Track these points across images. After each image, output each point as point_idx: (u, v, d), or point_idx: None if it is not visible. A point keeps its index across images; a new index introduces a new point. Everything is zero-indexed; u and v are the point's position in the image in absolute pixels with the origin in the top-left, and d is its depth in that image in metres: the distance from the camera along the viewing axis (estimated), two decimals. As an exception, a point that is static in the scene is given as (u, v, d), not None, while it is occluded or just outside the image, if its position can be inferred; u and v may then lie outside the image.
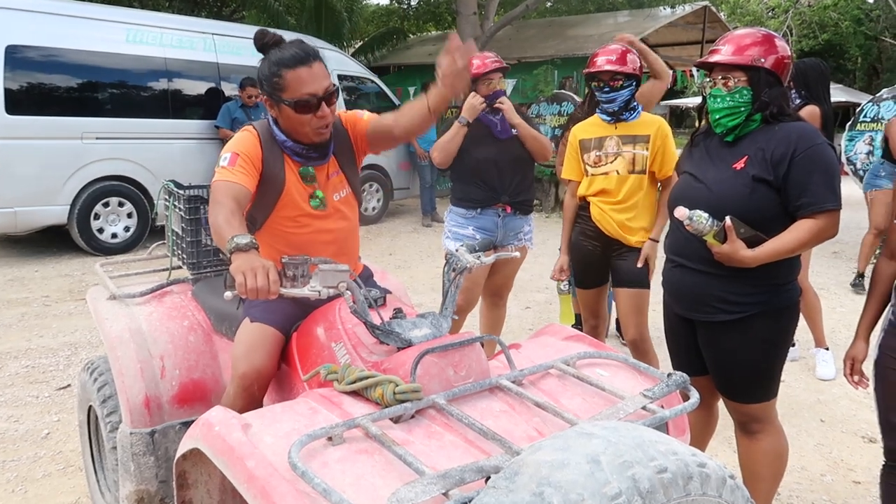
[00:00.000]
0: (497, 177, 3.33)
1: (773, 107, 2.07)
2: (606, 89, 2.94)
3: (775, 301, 2.12)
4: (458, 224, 3.43)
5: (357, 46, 15.20)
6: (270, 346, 1.86)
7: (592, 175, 3.04)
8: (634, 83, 2.97)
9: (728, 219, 2.01)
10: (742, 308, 2.11)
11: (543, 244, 7.97)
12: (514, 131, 3.37)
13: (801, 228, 2.01)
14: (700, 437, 2.50)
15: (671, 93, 14.21)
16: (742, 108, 2.08)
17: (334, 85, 1.96)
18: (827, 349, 4.09)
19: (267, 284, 1.48)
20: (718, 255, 2.06)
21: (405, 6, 18.15)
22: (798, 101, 3.77)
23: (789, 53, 2.09)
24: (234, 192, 1.82)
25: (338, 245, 2.10)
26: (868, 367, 2.12)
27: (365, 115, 2.16)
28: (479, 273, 3.39)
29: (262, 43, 1.95)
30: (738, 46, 2.06)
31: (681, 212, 2.05)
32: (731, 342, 2.17)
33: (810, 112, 3.68)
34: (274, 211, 2.02)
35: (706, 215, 2.01)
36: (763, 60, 2.04)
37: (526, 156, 3.43)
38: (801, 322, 3.66)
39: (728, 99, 2.08)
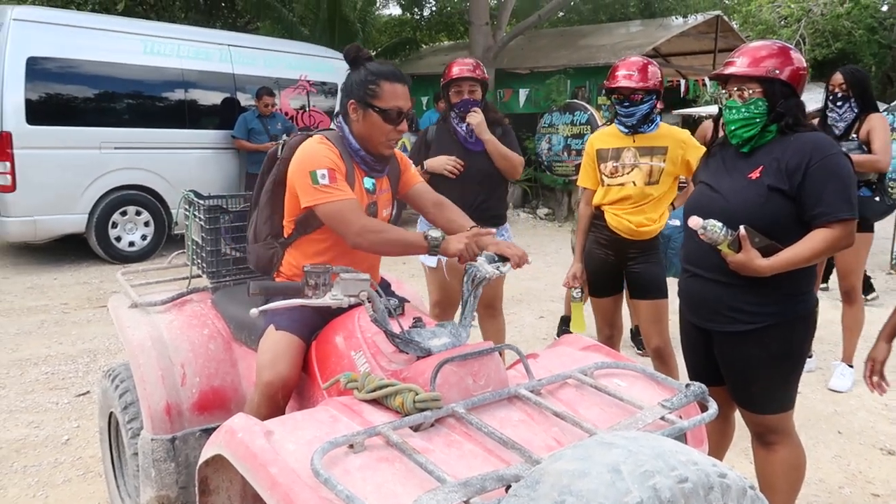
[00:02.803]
0: (459, 191, 3.04)
1: (789, 118, 2.08)
2: (626, 104, 2.93)
3: (790, 312, 2.11)
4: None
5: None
6: (295, 355, 1.89)
7: (609, 185, 3.05)
8: (654, 97, 2.95)
9: (742, 228, 2.01)
10: (756, 318, 2.11)
11: (557, 253, 7.98)
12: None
13: (815, 238, 2.02)
14: (717, 448, 2.49)
15: (683, 102, 14.18)
16: (758, 119, 2.09)
17: (411, 110, 2.09)
18: (851, 366, 4.01)
19: (473, 248, 1.88)
20: (733, 265, 2.06)
21: (418, 17, 18.23)
22: (857, 109, 3.69)
23: (804, 65, 2.10)
24: (360, 207, 1.98)
25: (377, 258, 2.21)
26: (889, 375, 2.10)
27: (412, 168, 2.34)
28: (441, 273, 3.41)
29: (356, 56, 2.06)
30: (754, 58, 2.08)
31: (695, 221, 2.06)
32: (745, 352, 2.17)
33: (881, 120, 3.61)
34: None
35: (720, 224, 2.02)
36: (778, 72, 2.05)
37: (496, 171, 3.30)
38: (818, 332, 3.65)
39: (743, 110, 2.09)
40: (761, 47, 2.10)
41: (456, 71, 3.26)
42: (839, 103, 3.73)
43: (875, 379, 2.13)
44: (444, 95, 3.34)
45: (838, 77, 3.74)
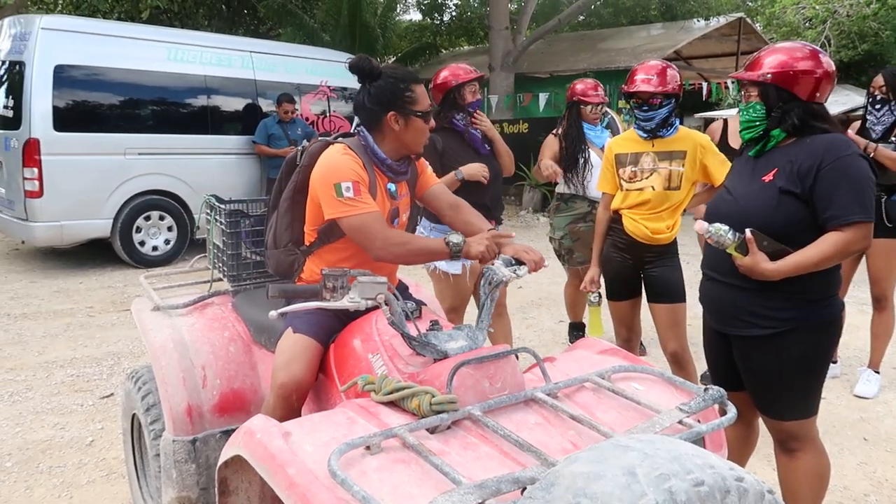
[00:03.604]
0: (481, 191, 3.30)
1: (793, 119, 2.04)
2: (645, 108, 2.91)
3: (811, 318, 2.07)
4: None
5: (390, 61, 15.41)
6: (310, 357, 1.90)
7: (627, 190, 3.04)
8: (674, 101, 2.93)
9: (748, 231, 2.00)
10: (774, 323, 2.09)
11: (576, 257, 7.94)
12: (487, 146, 3.43)
13: (826, 241, 1.98)
14: (739, 454, 2.47)
15: (706, 105, 14.05)
16: (757, 123, 2.09)
17: None
18: (877, 373, 3.94)
19: (493, 248, 1.92)
20: (741, 268, 2.05)
21: (438, 22, 18.33)
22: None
23: (805, 67, 2.01)
24: (383, 219, 2.01)
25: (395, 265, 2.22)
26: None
27: (429, 170, 2.35)
28: (464, 280, 3.44)
29: (371, 68, 2.04)
30: (755, 61, 2.09)
31: (700, 225, 2.06)
32: (764, 357, 2.14)
33: None
34: None
35: (725, 228, 2.01)
36: (769, 76, 2.03)
37: (500, 171, 3.48)
38: (843, 338, 3.58)
39: (744, 113, 2.12)
40: (772, 50, 2.09)
41: (462, 74, 3.33)
42: (878, 106, 3.64)
43: None
44: (451, 100, 3.34)
45: (879, 79, 3.66)
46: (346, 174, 1.97)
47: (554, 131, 4.18)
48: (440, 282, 3.49)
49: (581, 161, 4.03)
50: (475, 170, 3.30)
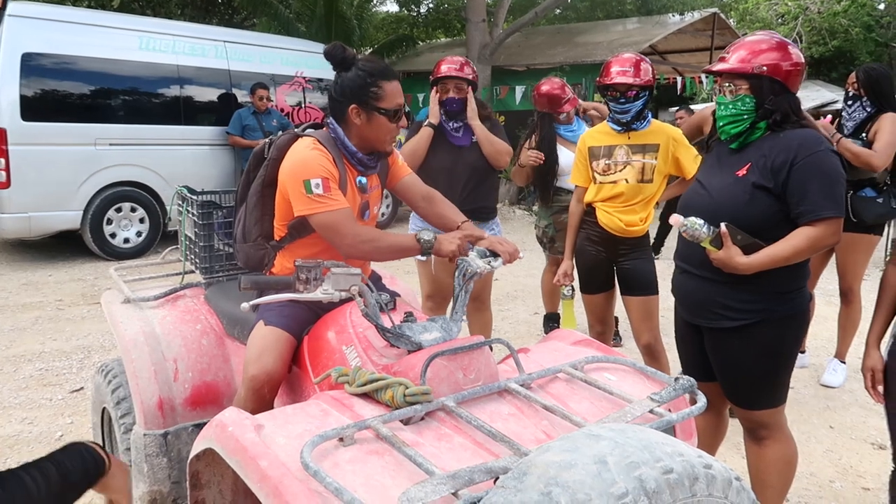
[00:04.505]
0: (448, 185, 3.16)
1: (777, 114, 2.08)
2: (622, 100, 2.92)
3: (779, 309, 2.11)
4: (419, 229, 3.45)
5: (367, 53, 15.31)
6: (282, 350, 1.89)
7: (601, 183, 3.05)
8: (648, 93, 2.95)
9: (723, 225, 2.02)
10: (744, 315, 2.12)
11: (552, 250, 7.99)
12: (475, 138, 3.36)
13: (798, 236, 2.01)
14: (710, 443, 2.51)
15: (681, 99, 14.19)
16: (745, 116, 2.09)
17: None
18: (843, 363, 4.02)
19: (465, 246, 1.92)
20: (715, 262, 2.07)
21: (415, 14, 18.22)
22: (870, 109, 3.61)
23: (798, 61, 2.07)
24: (352, 216, 1.98)
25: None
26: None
27: (400, 160, 2.30)
28: (445, 269, 3.43)
29: (343, 57, 2.01)
30: (743, 55, 2.07)
31: (675, 219, 2.07)
32: (734, 349, 2.18)
33: (891, 120, 3.50)
34: None
35: (700, 221, 2.02)
36: (766, 69, 2.04)
37: (484, 164, 3.40)
38: (812, 328, 3.65)
39: (731, 107, 2.10)
40: (753, 42, 2.09)
41: (444, 69, 3.32)
42: (849, 102, 3.70)
43: (880, 389, 2.10)
44: (435, 91, 3.38)
45: (852, 76, 3.72)
46: (316, 170, 1.93)
47: (525, 143, 4.12)
48: (419, 268, 3.52)
49: (550, 176, 4.11)
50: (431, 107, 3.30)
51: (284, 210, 2.06)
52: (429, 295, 3.55)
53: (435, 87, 3.36)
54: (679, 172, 3.04)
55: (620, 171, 3.00)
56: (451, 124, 3.37)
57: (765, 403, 2.20)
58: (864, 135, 3.59)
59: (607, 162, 3.03)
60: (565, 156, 4.04)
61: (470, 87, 3.36)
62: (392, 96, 2.00)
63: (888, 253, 7.00)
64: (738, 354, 2.17)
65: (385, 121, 2.01)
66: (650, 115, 3.05)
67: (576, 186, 3.22)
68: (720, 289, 2.14)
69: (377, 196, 2.21)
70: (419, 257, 3.43)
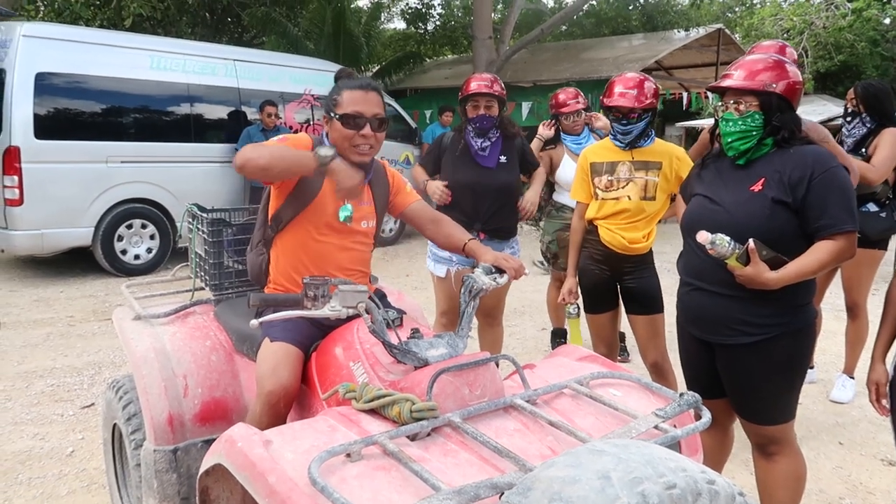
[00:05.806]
0: (472, 204, 3.27)
1: (785, 131, 2.10)
2: (624, 121, 2.93)
3: (794, 322, 2.13)
4: (436, 257, 3.47)
5: (374, 70, 15.41)
6: (294, 364, 1.91)
7: (603, 199, 3.04)
8: (651, 114, 2.95)
9: (751, 241, 2.01)
10: (763, 330, 2.13)
11: (559, 265, 7.99)
12: (502, 159, 3.35)
13: (821, 250, 2.03)
14: (715, 459, 2.50)
15: (686, 114, 14.22)
16: (754, 132, 2.11)
17: (385, 116, 2.14)
18: (852, 378, 4.00)
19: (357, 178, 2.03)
20: (741, 278, 2.06)
21: (422, 31, 18.40)
22: (870, 124, 3.61)
23: (800, 79, 2.12)
24: (282, 146, 2.03)
25: (351, 264, 2.18)
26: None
27: (408, 188, 2.36)
28: (448, 283, 3.44)
29: (337, 78, 2.20)
30: (751, 71, 2.09)
31: (703, 236, 2.04)
32: (751, 364, 2.18)
33: (891, 136, 3.50)
34: (301, 214, 2.12)
35: (728, 238, 2.01)
36: (775, 86, 2.07)
37: (511, 184, 3.40)
38: (819, 344, 3.63)
39: (740, 123, 2.11)
40: (758, 60, 2.12)
41: (473, 86, 3.31)
42: (849, 118, 3.70)
43: (884, 402, 2.11)
44: (461, 109, 3.39)
45: (851, 92, 3.73)
46: (290, 137, 2.13)
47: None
48: (435, 283, 3.54)
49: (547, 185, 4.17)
50: (433, 188, 3.35)
51: (272, 204, 2.17)
52: (443, 311, 3.54)
53: (461, 106, 3.36)
54: None
55: (623, 187, 3.00)
56: (478, 142, 3.33)
57: (777, 419, 2.21)
58: (864, 150, 3.61)
59: (610, 178, 3.03)
60: (570, 169, 4.05)
61: (498, 110, 3.34)
62: (349, 102, 2.07)
63: (897, 267, 6.96)
64: (755, 369, 2.17)
65: (339, 126, 2.07)
66: (653, 134, 3.06)
67: (577, 202, 3.22)
68: (739, 304, 2.14)
69: (367, 213, 2.22)
70: (437, 273, 3.46)
